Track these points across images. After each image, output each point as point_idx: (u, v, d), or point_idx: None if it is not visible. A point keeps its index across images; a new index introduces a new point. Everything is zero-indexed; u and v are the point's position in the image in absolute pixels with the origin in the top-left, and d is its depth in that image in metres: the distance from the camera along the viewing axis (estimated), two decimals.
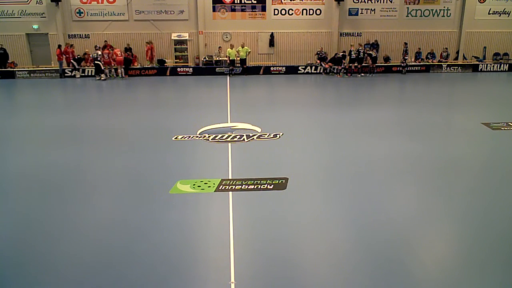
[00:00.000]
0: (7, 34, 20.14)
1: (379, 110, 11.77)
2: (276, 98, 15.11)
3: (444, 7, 21.48)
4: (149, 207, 5.50)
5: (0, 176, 6.87)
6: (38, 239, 4.74)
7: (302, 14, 21.11)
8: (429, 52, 21.13)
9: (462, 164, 7.27)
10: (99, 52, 18.40)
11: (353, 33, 21.57)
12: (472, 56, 22.13)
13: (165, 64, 20.56)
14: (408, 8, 21.38)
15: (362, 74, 19.70)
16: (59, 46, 19.19)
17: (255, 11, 20.91)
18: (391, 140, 8.84)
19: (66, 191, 6.15)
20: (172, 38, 20.80)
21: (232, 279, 3.93)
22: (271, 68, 20.64)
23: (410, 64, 20.68)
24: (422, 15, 21.52)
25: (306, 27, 21.25)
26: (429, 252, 4.50)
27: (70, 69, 19.48)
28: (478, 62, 21.49)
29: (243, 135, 8.96)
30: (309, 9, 21.08)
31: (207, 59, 20.70)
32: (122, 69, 19.15)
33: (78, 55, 19.64)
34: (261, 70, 20.57)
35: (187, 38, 20.85)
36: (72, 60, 19.25)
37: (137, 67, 20.17)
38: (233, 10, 20.82)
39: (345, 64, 19.72)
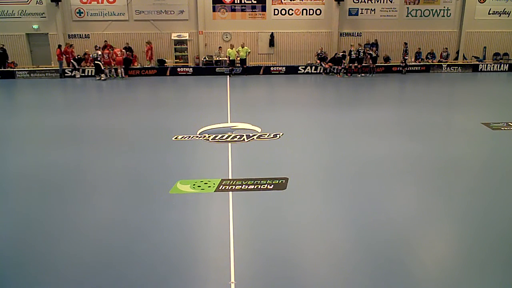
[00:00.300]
0: (7, 34, 20.14)
1: (379, 110, 11.77)
2: (276, 98, 15.11)
3: (444, 7, 21.48)
4: (149, 207, 5.50)
5: (0, 176, 6.87)
6: (38, 239, 4.74)
7: (302, 14, 21.11)
8: (429, 52, 21.13)
9: (462, 164, 7.27)
10: (99, 52, 18.40)
11: (353, 33, 21.57)
12: (472, 56, 22.13)
13: (165, 64, 20.56)
14: (408, 8, 21.38)
15: (362, 74, 19.70)
16: (59, 46, 19.19)
17: (255, 11, 20.91)
18: (391, 140, 8.84)
19: (66, 191, 6.16)
20: (172, 38, 20.79)
21: (232, 279, 3.93)
22: (271, 68, 20.64)
23: (410, 64, 20.68)
24: (422, 15, 21.52)
25: (306, 27, 21.25)
26: (429, 252, 4.50)
27: (70, 69, 19.48)
28: (478, 62, 21.49)
29: (243, 135, 8.96)
30: (309, 9, 21.08)
31: (207, 59, 20.70)
32: (122, 69, 19.15)
33: (78, 55, 19.65)
34: (261, 70, 20.58)
35: (187, 38, 20.85)
36: (72, 60, 19.25)
37: (137, 67, 20.18)
38: (233, 10, 20.82)
39: (345, 64, 19.72)
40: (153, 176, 6.71)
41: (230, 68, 19.93)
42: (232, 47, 19.78)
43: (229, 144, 8.39)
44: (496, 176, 6.71)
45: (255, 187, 6.11)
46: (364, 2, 21.19)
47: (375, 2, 21.20)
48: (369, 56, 19.79)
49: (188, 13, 20.65)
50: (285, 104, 13.32)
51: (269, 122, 10.12)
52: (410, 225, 5.04)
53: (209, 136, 8.91)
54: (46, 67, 19.91)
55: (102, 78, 18.49)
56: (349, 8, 21.22)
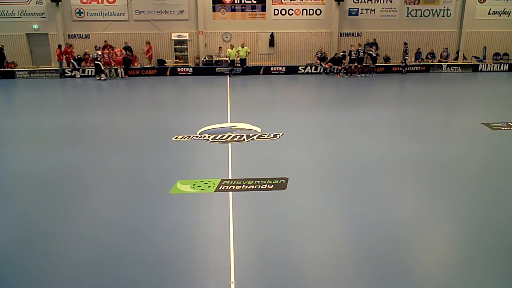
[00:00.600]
0: (7, 34, 20.15)
1: (379, 110, 11.77)
2: (276, 98, 15.10)
3: (444, 7, 21.49)
4: (149, 207, 5.50)
5: (0, 176, 6.87)
6: (38, 239, 4.74)
7: (302, 14, 21.11)
8: (429, 52, 21.14)
9: (462, 164, 7.26)
10: (99, 52, 18.41)
11: (353, 33, 21.58)
12: (472, 56, 22.13)
13: (165, 64, 20.56)
14: (408, 8, 21.38)
15: (362, 75, 19.70)
16: (59, 46, 19.20)
17: (255, 11, 20.91)
18: (391, 140, 8.85)
19: (66, 191, 6.15)
20: (172, 38, 20.80)
21: (232, 279, 3.93)
22: (271, 68, 20.64)
23: (410, 64, 20.69)
24: (422, 15, 21.52)
25: (306, 27, 21.26)
26: (429, 252, 4.49)
27: (70, 69, 19.48)
28: (478, 62, 21.50)
29: (243, 135, 8.95)
30: (309, 9, 21.08)
31: (207, 59, 20.71)
32: (122, 69, 19.15)
33: (78, 55, 19.65)
34: (261, 70, 20.58)
35: (187, 38, 20.85)
36: (72, 60, 19.26)
37: (137, 67, 20.18)
38: (233, 10, 20.82)
39: (345, 64, 19.73)
40: (153, 176, 6.71)
41: (230, 68, 19.93)
42: (232, 47, 19.78)
43: (229, 144, 8.39)
44: (496, 176, 6.71)
45: (255, 187, 6.10)
46: (364, 2, 21.20)
47: (375, 2, 21.20)
48: (369, 56, 19.79)
49: (188, 13, 20.65)
50: (285, 104, 13.32)
51: (269, 122, 10.12)
52: (410, 225, 5.04)
53: (209, 136, 8.91)
54: (46, 67, 19.92)
55: (102, 78, 18.49)
56: (349, 8, 21.23)
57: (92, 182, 6.57)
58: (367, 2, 21.21)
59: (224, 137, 8.84)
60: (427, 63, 20.92)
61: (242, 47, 19.57)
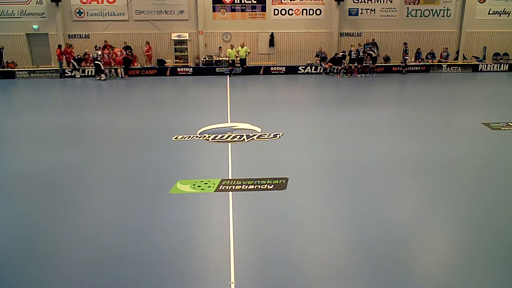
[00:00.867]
0: (7, 34, 20.16)
1: (379, 110, 11.77)
2: (276, 98, 15.10)
3: (444, 7, 21.49)
4: (149, 207, 5.50)
5: (0, 176, 6.87)
6: (38, 239, 4.74)
7: (302, 14, 21.11)
8: (429, 52, 21.14)
9: (462, 164, 7.26)
10: (99, 52, 18.41)
11: (353, 33, 21.58)
12: (472, 56, 22.14)
13: (165, 64, 20.56)
14: (408, 8, 21.39)
15: (362, 75, 19.70)
16: (59, 46, 19.20)
17: (255, 11, 20.91)
18: (391, 140, 8.85)
19: (66, 191, 6.15)
20: (172, 38, 20.80)
21: (232, 279, 3.92)
22: (271, 68, 20.64)
23: (410, 64, 20.69)
24: (422, 15, 21.52)
25: (306, 27, 21.26)
26: (430, 252, 4.49)
27: (70, 69, 19.49)
28: (478, 62, 21.50)
29: (243, 135, 8.95)
30: (309, 9, 21.08)
31: (207, 59, 20.71)
32: (122, 69, 19.15)
33: (78, 55, 19.65)
34: (261, 70, 20.58)
35: (187, 38, 20.85)
36: (72, 60, 19.26)
37: (137, 67, 20.18)
38: (233, 10, 20.82)
39: (345, 64, 19.73)
40: (153, 176, 6.71)
41: (230, 68, 19.93)
42: (232, 47, 19.78)
43: (229, 144, 8.39)
44: (496, 176, 6.71)
45: (255, 187, 6.10)
46: (364, 2, 21.20)
47: (375, 2, 21.21)
48: (369, 56, 19.79)
49: (188, 13, 20.65)
50: (285, 104, 13.32)
51: (269, 122, 10.12)
52: (410, 225, 5.04)
53: (209, 136, 8.91)
54: (46, 67, 19.93)
55: (102, 78, 18.49)
56: (349, 8, 21.23)
57: (92, 182, 6.57)
58: (367, 2, 21.21)
59: (224, 137, 8.84)
60: (427, 63, 20.92)
61: (242, 47, 19.57)
